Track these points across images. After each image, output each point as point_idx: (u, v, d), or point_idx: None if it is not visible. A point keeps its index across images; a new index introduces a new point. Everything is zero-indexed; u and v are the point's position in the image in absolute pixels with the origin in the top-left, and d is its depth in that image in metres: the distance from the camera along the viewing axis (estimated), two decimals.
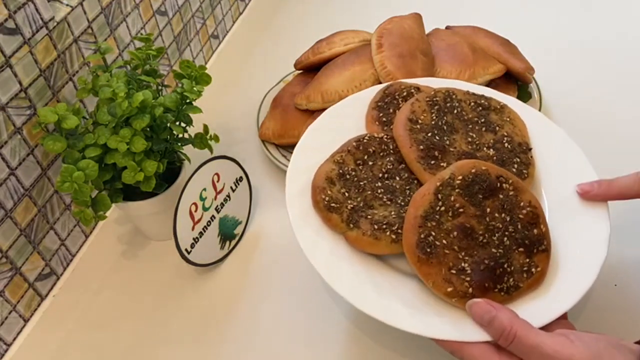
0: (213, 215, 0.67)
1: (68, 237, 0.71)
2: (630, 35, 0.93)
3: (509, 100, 0.62)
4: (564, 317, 0.48)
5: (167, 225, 0.64)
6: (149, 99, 0.61)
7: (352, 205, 0.52)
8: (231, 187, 0.69)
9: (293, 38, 1.03)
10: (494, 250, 0.49)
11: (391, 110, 0.60)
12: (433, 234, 0.48)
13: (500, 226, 0.49)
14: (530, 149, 0.57)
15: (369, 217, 0.52)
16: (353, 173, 0.55)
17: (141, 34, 0.75)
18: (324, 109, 0.74)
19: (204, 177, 0.65)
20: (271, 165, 0.80)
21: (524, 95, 0.80)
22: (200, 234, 0.66)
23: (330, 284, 0.49)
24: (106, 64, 0.66)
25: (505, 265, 0.48)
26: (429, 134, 0.55)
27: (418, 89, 0.62)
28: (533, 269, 0.49)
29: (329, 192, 0.53)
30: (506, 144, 0.56)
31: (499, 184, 0.51)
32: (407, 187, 0.54)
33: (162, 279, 0.69)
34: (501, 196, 0.50)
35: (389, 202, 0.53)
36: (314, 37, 0.85)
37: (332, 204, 0.52)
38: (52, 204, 0.67)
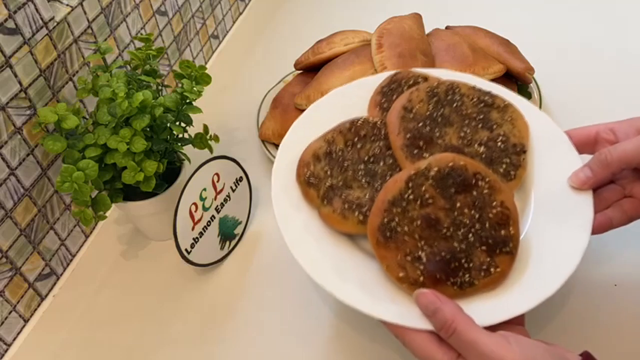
0: (213, 215, 0.67)
1: (68, 237, 0.71)
2: (630, 35, 0.93)
3: (519, 101, 0.60)
4: (519, 322, 0.48)
5: (167, 225, 0.64)
6: (149, 99, 0.61)
7: (330, 183, 0.54)
8: (231, 187, 0.69)
9: (293, 38, 1.03)
10: (455, 244, 0.49)
11: (394, 97, 0.59)
12: (397, 219, 0.49)
13: (467, 222, 0.49)
14: (524, 151, 0.56)
15: (342, 196, 0.53)
16: (340, 153, 0.55)
17: (141, 34, 0.75)
18: None
19: (204, 177, 0.65)
20: (271, 165, 0.79)
21: (524, 95, 0.80)
22: (200, 234, 0.66)
23: (294, 254, 0.50)
24: (106, 64, 0.66)
25: (463, 261, 0.48)
26: (420, 124, 0.55)
27: (426, 78, 0.61)
28: (492, 269, 0.49)
29: (312, 167, 0.54)
30: (499, 143, 0.56)
31: (474, 181, 0.50)
32: (389, 173, 0.54)
33: (162, 279, 0.69)
34: (474, 193, 0.50)
35: (366, 185, 0.54)
36: (314, 37, 0.85)
37: (312, 179, 0.54)
38: (52, 204, 0.67)
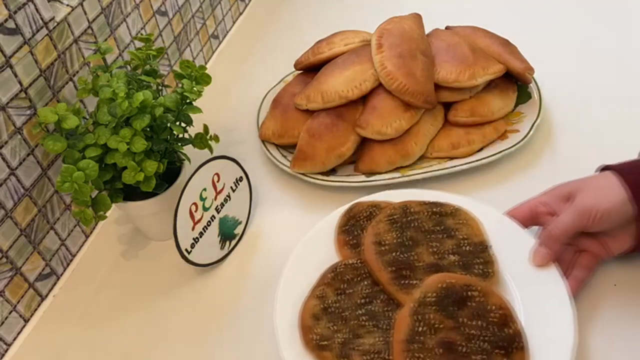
0: (213, 215, 0.67)
1: (68, 237, 0.71)
2: (630, 35, 0.93)
3: (460, 200, 0.64)
4: None
5: (167, 225, 0.64)
6: (149, 99, 0.61)
7: (341, 339, 0.54)
8: (231, 187, 0.69)
9: (293, 38, 1.03)
10: (476, 357, 0.51)
11: (357, 232, 0.63)
12: (420, 355, 0.51)
13: (476, 333, 0.52)
14: (489, 247, 0.59)
15: (358, 348, 0.53)
16: (336, 304, 0.57)
17: (141, 34, 0.75)
18: (324, 109, 0.75)
19: (204, 177, 0.65)
20: (271, 165, 0.80)
21: (524, 95, 0.80)
22: (200, 234, 0.66)
23: None
24: (106, 64, 0.66)
25: None
26: (395, 254, 0.58)
27: (377, 206, 0.64)
28: None
29: (316, 329, 0.55)
30: (466, 247, 0.59)
31: (466, 293, 0.53)
32: (388, 309, 0.56)
33: (162, 279, 0.69)
34: (471, 304, 0.53)
35: (373, 329, 0.55)
36: (314, 37, 0.85)
37: (322, 342, 0.54)
38: (52, 204, 0.67)
